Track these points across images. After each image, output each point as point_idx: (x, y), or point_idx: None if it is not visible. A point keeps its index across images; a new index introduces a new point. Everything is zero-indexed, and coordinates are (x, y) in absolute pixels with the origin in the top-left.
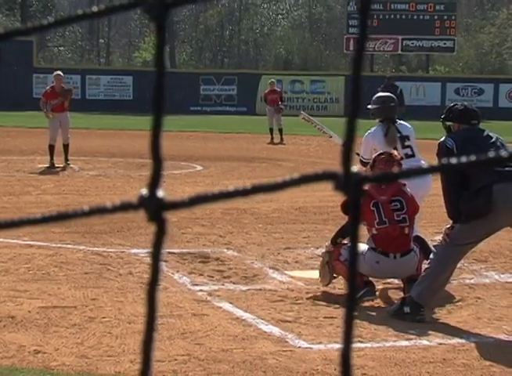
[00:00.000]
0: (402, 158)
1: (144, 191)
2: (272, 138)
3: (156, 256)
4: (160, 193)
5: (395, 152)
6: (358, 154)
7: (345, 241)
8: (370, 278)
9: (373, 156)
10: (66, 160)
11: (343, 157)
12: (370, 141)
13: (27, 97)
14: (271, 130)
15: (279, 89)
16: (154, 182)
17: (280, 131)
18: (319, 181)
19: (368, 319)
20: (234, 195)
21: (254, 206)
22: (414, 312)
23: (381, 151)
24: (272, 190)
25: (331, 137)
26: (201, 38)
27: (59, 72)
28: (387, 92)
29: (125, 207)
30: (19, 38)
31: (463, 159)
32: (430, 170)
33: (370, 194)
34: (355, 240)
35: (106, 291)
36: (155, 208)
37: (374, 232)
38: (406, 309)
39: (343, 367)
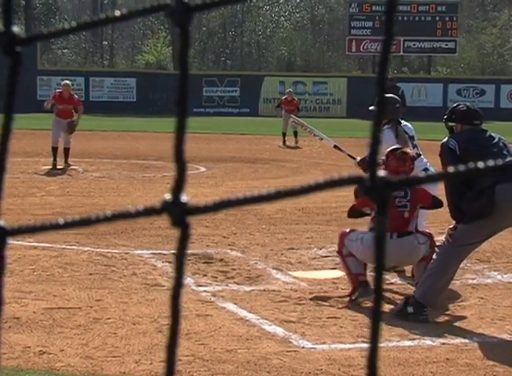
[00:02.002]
0: (416, 155)
1: (167, 196)
2: (285, 141)
3: (180, 260)
4: (184, 198)
5: (408, 149)
6: (351, 156)
7: (347, 230)
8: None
9: (386, 151)
10: (66, 162)
11: (368, 160)
12: (383, 144)
13: (30, 99)
14: (283, 134)
15: (296, 100)
16: (178, 186)
17: (295, 133)
18: (345, 185)
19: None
20: (258, 200)
21: (257, 207)
22: (417, 313)
23: (395, 146)
24: (297, 195)
25: (322, 139)
26: (204, 40)
27: (68, 82)
28: (389, 93)
29: (148, 212)
30: None
31: (489, 163)
32: (454, 175)
33: None
34: (381, 243)
35: (110, 291)
36: (179, 213)
37: (373, 214)
38: (410, 309)
39: (369, 370)
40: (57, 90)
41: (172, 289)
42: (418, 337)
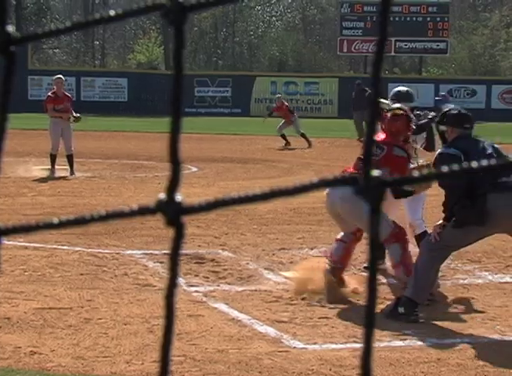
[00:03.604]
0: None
1: (162, 195)
2: (287, 142)
3: (174, 260)
4: (179, 197)
5: (405, 107)
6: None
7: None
8: None
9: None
10: (72, 172)
11: (363, 160)
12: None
13: (22, 99)
14: (283, 136)
15: (286, 104)
16: (172, 186)
17: (303, 135)
18: (339, 184)
19: (362, 319)
20: (253, 199)
21: (248, 207)
22: (408, 313)
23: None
24: (291, 194)
25: None
26: (195, 40)
27: (60, 76)
28: (360, 96)
29: (143, 211)
30: None
31: (483, 162)
32: (447, 175)
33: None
34: (374, 243)
35: (101, 292)
36: (173, 212)
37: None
38: (401, 310)
39: (363, 370)
40: (49, 92)
41: (166, 289)
42: (409, 337)
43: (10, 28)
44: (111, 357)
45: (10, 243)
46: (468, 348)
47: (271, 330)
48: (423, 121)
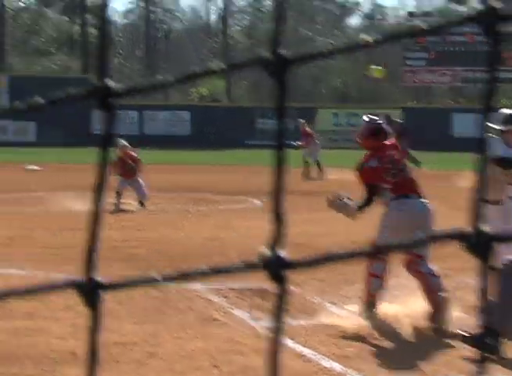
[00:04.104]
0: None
1: (265, 250)
2: (309, 172)
3: (278, 316)
4: (282, 253)
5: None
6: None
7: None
8: None
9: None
10: (142, 206)
11: (472, 213)
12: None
13: (86, 133)
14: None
15: (307, 130)
16: (275, 240)
17: (312, 164)
18: (448, 240)
19: (430, 353)
20: (358, 255)
21: (311, 240)
22: (490, 343)
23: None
24: (395, 250)
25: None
26: (258, 72)
27: (125, 143)
28: (393, 128)
29: (249, 267)
30: (77, 75)
31: None
32: None
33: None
34: (482, 297)
35: (165, 326)
36: (277, 268)
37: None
38: (483, 340)
39: None
40: (115, 158)
41: (270, 345)
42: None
43: (110, 82)
44: None
45: None
46: None
47: (336, 366)
48: None
